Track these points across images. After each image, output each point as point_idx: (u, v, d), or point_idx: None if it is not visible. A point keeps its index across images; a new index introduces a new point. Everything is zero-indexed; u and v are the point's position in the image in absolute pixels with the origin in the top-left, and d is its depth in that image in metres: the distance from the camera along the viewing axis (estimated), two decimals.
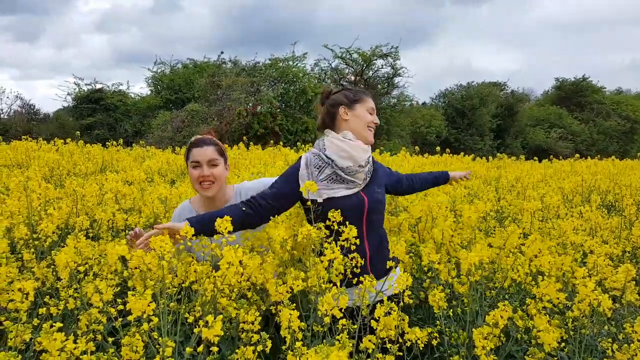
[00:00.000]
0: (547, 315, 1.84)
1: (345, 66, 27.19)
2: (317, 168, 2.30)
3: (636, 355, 1.71)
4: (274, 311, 1.87)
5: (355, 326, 1.66)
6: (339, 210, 2.05)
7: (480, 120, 31.06)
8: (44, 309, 1.71)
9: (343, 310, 1.68)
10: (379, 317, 1.63)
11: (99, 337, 1.67)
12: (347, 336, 1.49)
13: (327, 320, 1.63)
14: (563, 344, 1.88)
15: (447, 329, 1.99)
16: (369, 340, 1.59)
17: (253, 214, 2.16)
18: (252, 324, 1.58)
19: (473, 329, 1.64)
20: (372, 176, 2.38)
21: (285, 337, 1.55)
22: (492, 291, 2.31)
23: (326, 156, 2.30)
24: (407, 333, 1.65)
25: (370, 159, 2.39)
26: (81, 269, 1.82)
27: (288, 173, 2.35)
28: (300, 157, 2.37)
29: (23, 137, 7.05)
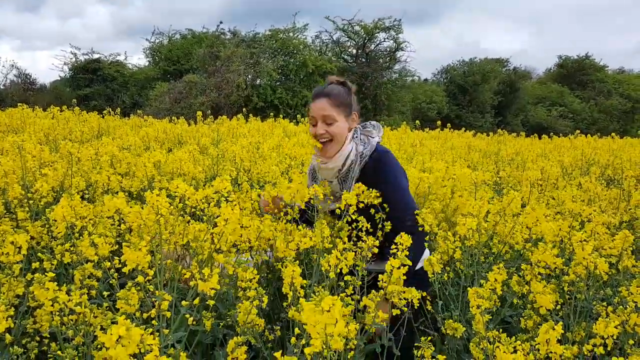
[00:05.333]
0: (544, 281, 1.84)
1: (347, 39, 26.71)
2: None
3: (630, 318, 1.71)
4: (278, 266, 1.89)
5: (359, 282, 1.67)
6: None
7: (482, 97, 30.74)
8: (37, 263, 1.69)
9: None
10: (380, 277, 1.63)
11: (93, 292, 1.66)
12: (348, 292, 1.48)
13: (332, 275, 1.64)
14: (558, 307, 1.88)
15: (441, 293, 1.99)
16: (370, 299, 1.59)
17: None
18: (250, 281, 1.57)
19: (468, 289, 1.63)
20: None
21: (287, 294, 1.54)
22: (489, 257, 2.31)
23: None
24: (405, 292, 1.66)
25: (345, 171, 2.15)
26: (78, 223, 1.80)
27: None
28: None
29: (19, 104, 6.96)
